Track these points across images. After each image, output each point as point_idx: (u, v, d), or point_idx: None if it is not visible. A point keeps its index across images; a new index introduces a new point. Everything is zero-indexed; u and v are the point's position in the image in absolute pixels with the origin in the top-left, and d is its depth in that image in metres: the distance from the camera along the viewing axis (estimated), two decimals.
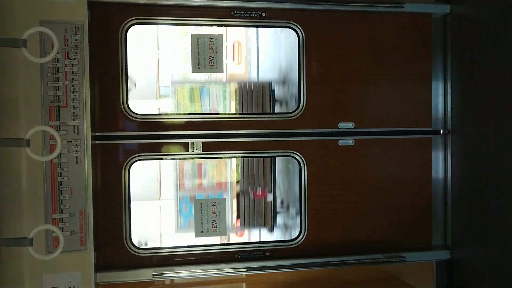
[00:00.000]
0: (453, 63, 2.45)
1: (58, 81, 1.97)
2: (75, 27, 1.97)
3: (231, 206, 3.41)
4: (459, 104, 2.41)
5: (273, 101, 3.31)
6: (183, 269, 2.23)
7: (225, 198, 2.37)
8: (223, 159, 3.26)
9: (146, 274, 2.19)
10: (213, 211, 2.33)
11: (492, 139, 2.12)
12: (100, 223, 2.17)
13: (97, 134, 2.18)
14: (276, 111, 3.36)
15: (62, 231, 1.96)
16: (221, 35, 2.34)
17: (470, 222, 2.31)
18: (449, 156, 2.48)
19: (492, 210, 2.12)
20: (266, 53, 3.47)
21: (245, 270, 2.31)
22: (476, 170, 2.25)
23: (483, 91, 2.18)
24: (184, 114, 2.34)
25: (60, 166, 1.98)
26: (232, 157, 2.53)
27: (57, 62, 1.96)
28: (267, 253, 2.36)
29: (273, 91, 3.30)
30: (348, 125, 2.42)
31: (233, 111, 3.42)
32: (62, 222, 1.98)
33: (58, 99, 1.97)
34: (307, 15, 2.36)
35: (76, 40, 1.98)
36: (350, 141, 2.42)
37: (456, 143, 2.44)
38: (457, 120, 2.42)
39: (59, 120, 1.97)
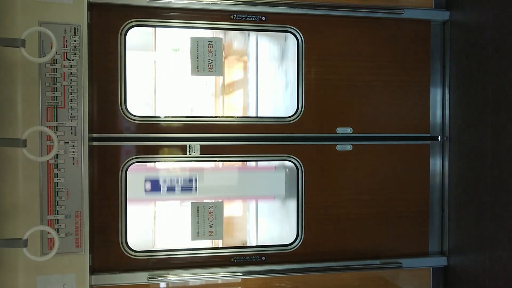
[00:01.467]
0: (451, 70, 2.46)
1: (56, 81, 1.96)
2: (75, 28, 1.97)
3: None
4: (457, 111, 2.41)
5: None
6: (179, 273, 2.22)
7: (222, 202, 2.37)
8: None
9: (141, 277, 2.18)
10: (209, 214, 2.32)
11: (490, 146, 2.12)
12: (96, 225, 2.16)
13: (95, 135, 2.18)
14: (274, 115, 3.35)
15: (58, 232, 1.95)
16: (221, 38, 2.34)
17: (467, 229, 2.31)
18: (446, 163, 2.48)
19: (489, 217, 2.11)
20: None
21: (241, 274, 2.30)
22: (473, 177, 2.25)
23: (481, 98, 2.19)
24: (182, 116, 2.33)
25: (57, 167, 1.97)
26: (229, 161, 2.52)
27: (56, 63, 1.96)
28: (263, 258, 2.35)
29: None
30: (346, 130, 2.42)
31: None
32: (57, 223, 1.97)
33: (56, 100, 1.96)
34: (306, 20, 2.37)
35: (75, 41, 1.98)
36: (348, 146, 2.42)
37: (453, 149, 2.44)
38: (455, 126, 2.43)
39: (57, 121, 1.97)
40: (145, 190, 2.61)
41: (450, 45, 2.46)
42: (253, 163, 2.89)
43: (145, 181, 2.60)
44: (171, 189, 2.62)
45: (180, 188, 2.59)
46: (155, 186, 2.63)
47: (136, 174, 2.47)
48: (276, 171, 2.83)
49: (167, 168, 2.67)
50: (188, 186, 2.57)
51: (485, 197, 2.14)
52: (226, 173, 2.90)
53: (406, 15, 2.40)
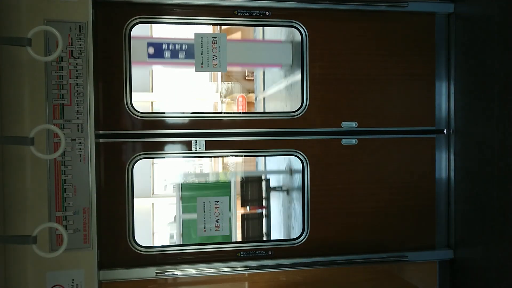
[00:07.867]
0: (456, 63, 2.44)
1: (62, 79, 1.98)
2: (80, 26, 1.98)
3: None
4: (462, 104, 2.40)
5: None
6: (186, 268, 2.23)
7: (228, 197, 2.38)
8: None
9: (149, 272, 2.20)
10: (216, 209, 2.33)
11: (496, 139, 2.11)
12: (103, 221, 2.18)
13: (101, 132, 2.19)
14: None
15: (66, 229, 1.97)
16: (225, 34, 2.34)
17: (473, 222, 2.30)
18: (452, 156, 2.48)
19: (496, 210, 2.11)
20: None
21: (248, 268, 2.31)
22: (479, 170, 2.25)
23: (487, 90, 2.18)
24: (188, 113, 2.34)
25: (64, 164, 1.99)
26: (235, 156, 2.53)
27: (62, 61, 1.97)
28: (269, 252, 2.36)
29: None
30: (351, 125, 2.42)
31: None
32: (65, 220, 1.99)
33: (62, 98, 1.98)
34: (310, 14, 2.36)
35: (80, 39, 1.99)
36: (353, 141, 2.42)
37: (459, 142, 2.43)
38: (461, 119, 2.42)
39: (63, 119, 1.98)
40: (148, 55, 2.57)
41: (455, 37, 2.44)
42: (260, 38, 2.88)
43: (148, 46, 2.56)
44: (175, 54, 2.57)
45: (184, 55, 2.55)
46: (158, 51, 2.58)
47: (140, 41, 2.48)
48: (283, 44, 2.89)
49: (171, 35, 2.64)
50: (191, 53, 2.47)
51: (491, 189, 2.14)
52: (233, 44, 2.79)
53: (410, 8, 2.39)
